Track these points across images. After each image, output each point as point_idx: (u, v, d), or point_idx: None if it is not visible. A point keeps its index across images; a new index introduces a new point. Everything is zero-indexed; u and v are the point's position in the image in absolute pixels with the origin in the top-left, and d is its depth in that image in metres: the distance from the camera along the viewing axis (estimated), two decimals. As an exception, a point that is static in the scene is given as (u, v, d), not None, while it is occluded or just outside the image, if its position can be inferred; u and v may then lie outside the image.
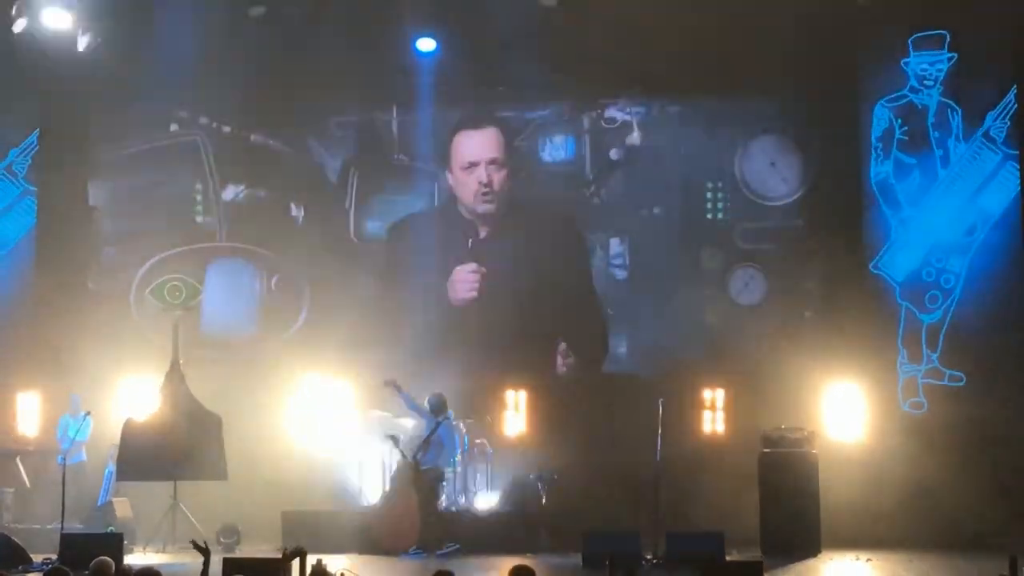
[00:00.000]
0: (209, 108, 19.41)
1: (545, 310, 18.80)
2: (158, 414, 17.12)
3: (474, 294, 19.04)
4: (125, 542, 15.07)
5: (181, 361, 17.45)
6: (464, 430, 17.36)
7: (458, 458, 16.98)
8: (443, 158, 19.31)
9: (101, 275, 19.50)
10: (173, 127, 19.58)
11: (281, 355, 18.95)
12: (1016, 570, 10.53)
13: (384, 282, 19.35)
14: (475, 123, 19.19)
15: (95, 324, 18.62)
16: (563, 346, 18.85)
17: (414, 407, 16.94)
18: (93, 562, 10.37)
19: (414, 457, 16.20)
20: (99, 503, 17.09)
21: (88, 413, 16.86)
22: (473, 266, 19.04)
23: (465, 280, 19.05)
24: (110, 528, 16.03)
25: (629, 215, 19.04)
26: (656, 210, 19.03)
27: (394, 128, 19.59)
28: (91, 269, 19.48)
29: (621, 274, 19.07)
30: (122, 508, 16.96)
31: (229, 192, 19.67)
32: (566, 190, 19.26)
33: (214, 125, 19.56)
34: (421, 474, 16.13)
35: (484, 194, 19.01)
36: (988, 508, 16.19)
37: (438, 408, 16.64)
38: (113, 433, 17.12)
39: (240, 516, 16.91)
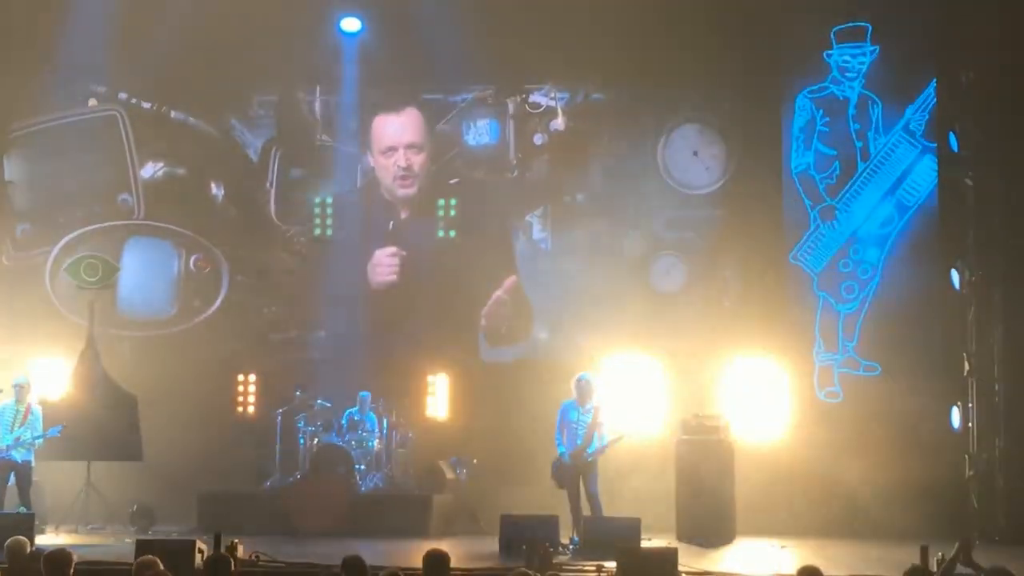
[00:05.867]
0: (129, 84, 19.18)
1: (467, 293, 18.75)
2: (72, 393, 16.90)
3: (394, 278, 18.97)
4: (37, 522, 14.82)
5: (97, 340, 17.24)
6: (384, 413, 17.32)
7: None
8: (366, 140, 19.21)
9: (15, 251, 19.19)
10: (92, 102, 19.32)
11: (199, 334, 18.82)
12: (927, 559, 10.69)
13: (304, 263, 19.23)
14: (394, 106, 19.11)
15: (8, 301, 18.35)
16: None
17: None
18: (8, 541, 10.24)
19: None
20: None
21: None
22: (393, 249, 18.96)
23: (385, 263, 18.96)
24: (20, 508, 15.76)
25: (552, 201, 19.04)
26: (579, 196, 19.05)
27: (317, 108, 19.47)
28: (5, 245, 19.18)
29: (543, 259, 19.05)
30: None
31: (148, 169, 19.43)
32: (489, 174, 19.22)
33: (133, 101, 19.33)
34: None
35: (403, 178, 18.95)
36: (900, 497, 16.36)
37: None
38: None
39: (155, 497, 16.75)
